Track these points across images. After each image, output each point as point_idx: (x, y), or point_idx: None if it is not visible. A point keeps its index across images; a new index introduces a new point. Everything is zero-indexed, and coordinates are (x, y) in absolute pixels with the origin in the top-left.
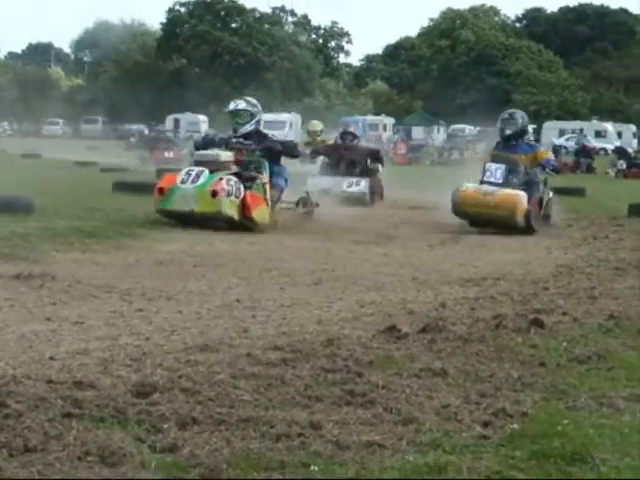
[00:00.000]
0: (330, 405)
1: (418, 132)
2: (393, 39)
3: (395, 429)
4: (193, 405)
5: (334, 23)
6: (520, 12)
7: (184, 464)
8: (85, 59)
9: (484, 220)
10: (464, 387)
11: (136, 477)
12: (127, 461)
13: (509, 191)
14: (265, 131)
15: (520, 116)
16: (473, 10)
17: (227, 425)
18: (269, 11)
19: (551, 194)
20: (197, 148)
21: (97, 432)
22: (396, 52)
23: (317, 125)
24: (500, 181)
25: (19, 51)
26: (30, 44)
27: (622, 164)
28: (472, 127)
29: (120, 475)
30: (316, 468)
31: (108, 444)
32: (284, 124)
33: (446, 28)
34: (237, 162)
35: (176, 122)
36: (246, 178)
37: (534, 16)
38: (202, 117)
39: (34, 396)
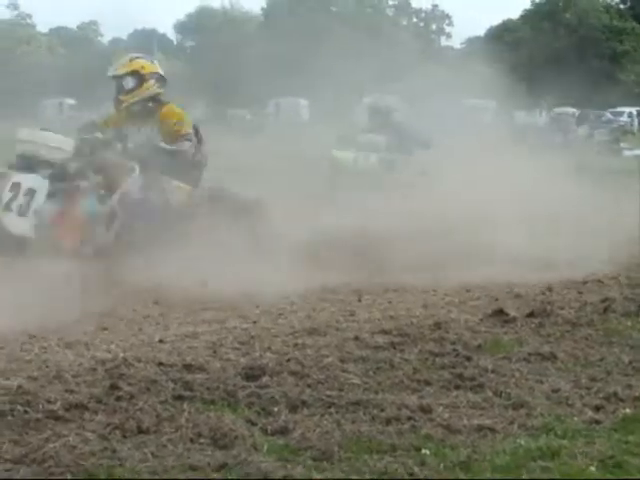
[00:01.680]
0: (439, 389)
1: (520, 115)
2: (495, 21)
3: (505, 413)
4: (302, 388)
5: (435, 6)
6: None
7: (295, 447)
8: (188, 44)
9: None
10: (574, 371)
11: (249, 459)
12: (239, 443)
13: None
14: None
15: None
16: None
17: (337, 408)
18: None
19: None
20: None
21: (208, 414)
22: (498, 35)
23: None
24: None
25: (124, 37)
26: (135, 30)
27: None
28: (575, 110)
29: (233, 457)
30: (427, 451)
31: (219, 426)
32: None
33: (549, 10)
34: None
35: (277, 106)
36: None
37: None
38: (303, 101)
39: (145, 378)
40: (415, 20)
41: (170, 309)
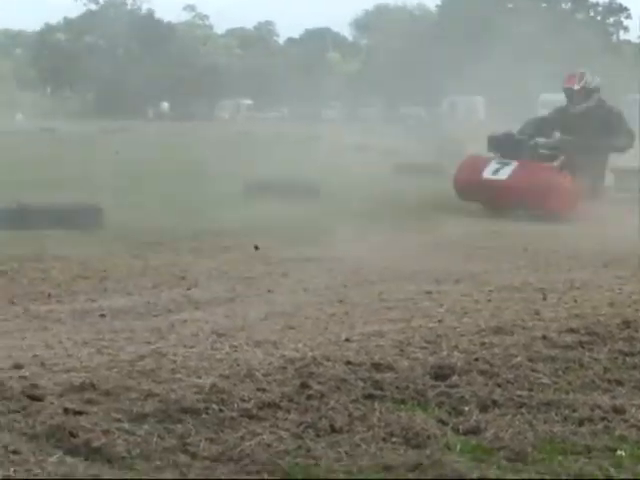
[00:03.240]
0: (631, 389)
1: None
2: None
3: None
4: (492, 388)
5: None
6: None
7: (488, 447)
8: (363, 42)
9: None
10: None
11: (443, 459)
12: (431, 443)
13: None
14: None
15: None
16: None
17: (528, 408)
18: None
19: None
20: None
21: (399, 414)
22: None
23: None
24: None
25: (297, 36)
26: (308, 30)
27: None
28: None
29: (426, 457)
30: (623, 453)
31: (411, 426)
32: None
33: None
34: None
35: (452, 104)
36: None
37: None
38: (479, 98)
39: (335, 377)
40: (592, 14)
41: (354, 308)
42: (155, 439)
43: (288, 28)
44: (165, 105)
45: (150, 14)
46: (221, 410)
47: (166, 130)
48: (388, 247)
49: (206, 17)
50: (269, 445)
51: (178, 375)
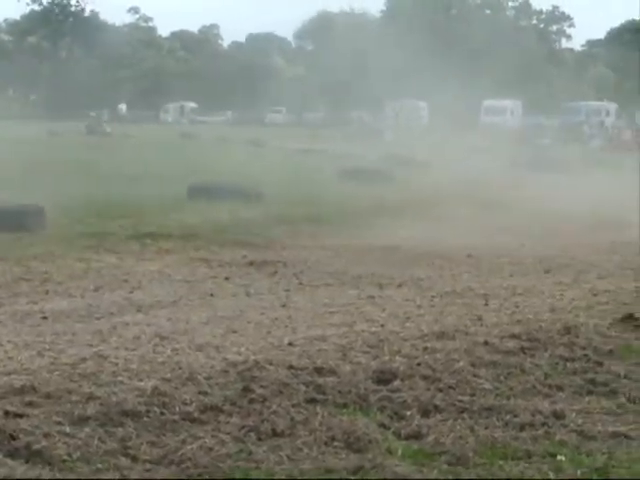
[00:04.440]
0: (572, 394)
1: None
2: (617, 23)
3: None
4: (434, 393)
5: (555, 7)
6: None
7: (430, 451)
8: (308, 47)
9: None
10: None
11: (384, 463)
12: (373, 447)
13: None
14: None
15: None
16: None
17: (470, 413)
18: None
19: None
20: None
21: (341, 418)
22: (620, 36)
23: None
24: None
25: (241, 40)
26: (250, 34)
27: None
28: None
29: (368, 461)
30: (562, 458)
31: (353, 430)
32: (505, 110)
33: None
34: None
35: (396, 110)
36: None
37: None
38: (422, 103)
39: (277, 381)
40: (535, 22)
41: (297, 312)
42: (96, 442)
43: (233, 32)
44: (123, 107)
45: (94, 15)
46: (162, 413)
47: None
48: (332, 251)
49: (150, 19)
50: (210, 448)
51: (120, 378)
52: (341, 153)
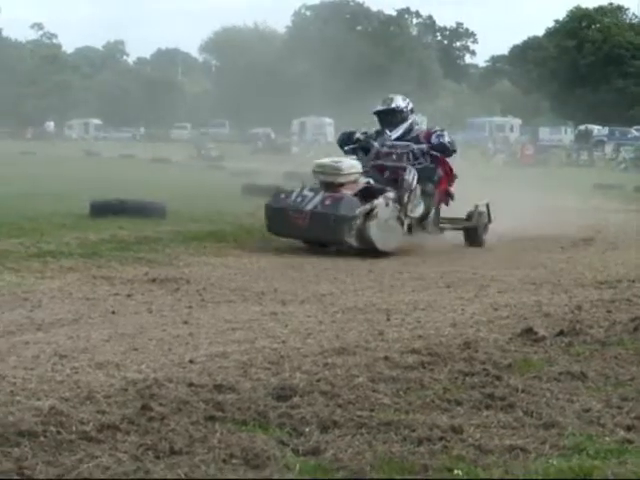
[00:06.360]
0: (470, 409)
1: (545, 133)
2: (519, 39)
3: (537, 433)
4: (333, 408)
5: (459, 24)
6: None
7: (328, 467)
8: (213, 63)
9: None
10: (605, 391)
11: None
12: (271, 464)
13: None
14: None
15: None
16: (600, 10)
17: (368, 428)
18: (394, 13)
19: None
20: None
21: (240, 435)
22: (522, 52)
23: None
24: None
25: (147, 56)
26: (159, 49)
27: None
28: (600, 127)
29: (265, 478)
30: (460, 472)
31: (252, 447)
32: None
33: (573, 27)
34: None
35: (302, 125)
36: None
37: None
38: (328, 120)
39: (176, 399)
40: (439, 38)
41: (199, 329)
42: None
43: (138, 48)
44: (51, 125)
45: None
46: (59, 432)
47: (14, 148)
48: (235, 268)
49: (54, 36)
50: (107, 467)
51: (17, 397)
52: (245, 169)
